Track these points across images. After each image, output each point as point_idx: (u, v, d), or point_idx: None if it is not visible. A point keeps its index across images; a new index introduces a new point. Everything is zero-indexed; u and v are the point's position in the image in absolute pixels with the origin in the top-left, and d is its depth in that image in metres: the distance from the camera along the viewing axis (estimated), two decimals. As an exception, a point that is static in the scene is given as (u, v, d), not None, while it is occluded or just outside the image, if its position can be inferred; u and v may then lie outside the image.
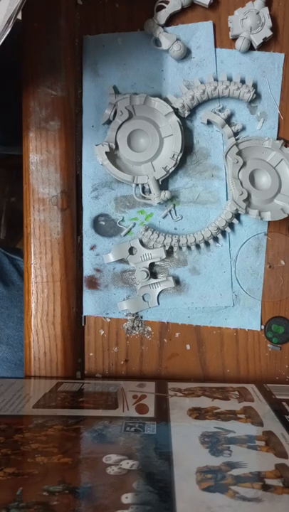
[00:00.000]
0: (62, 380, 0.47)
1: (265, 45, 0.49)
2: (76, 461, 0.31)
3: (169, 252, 0.50)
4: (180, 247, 0.50)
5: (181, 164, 0.49)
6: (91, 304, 0.51)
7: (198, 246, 0.50)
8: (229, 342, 0.51)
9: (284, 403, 0.42)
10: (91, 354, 0.51)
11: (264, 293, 0.51)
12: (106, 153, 0.47)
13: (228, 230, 0.50)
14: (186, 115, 0.49)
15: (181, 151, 0.48)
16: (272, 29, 0.48)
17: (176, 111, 0.48)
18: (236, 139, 0.49)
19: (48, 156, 0.48)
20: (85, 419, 0.37)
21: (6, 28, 0.34)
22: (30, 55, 0.48)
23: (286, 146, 0.49)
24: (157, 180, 0.48)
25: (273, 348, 0.51)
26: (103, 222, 0.50)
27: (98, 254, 0.50)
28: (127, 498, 0.27)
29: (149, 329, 0.51)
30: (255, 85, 0.49)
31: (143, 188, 0.49)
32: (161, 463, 0.31)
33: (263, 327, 0.51)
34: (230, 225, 0.50)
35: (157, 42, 0.49)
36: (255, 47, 0.48)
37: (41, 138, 0.48)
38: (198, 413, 0.39)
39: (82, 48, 0.49)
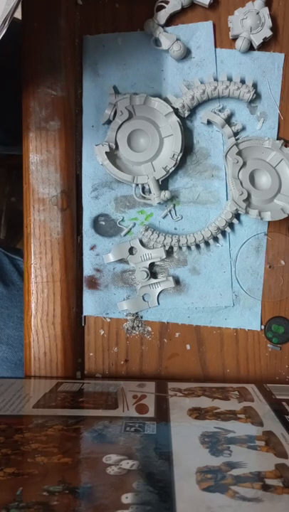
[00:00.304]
0: (62, 380, 0.47)
1: (265, 45, 0.49)
2: (76, 461, 0.31)
3: (169, 252, 0.50)
4: (180, 247, 0.50)
5: (181, 164, 0.49)
6: (91, 304, 0.51)
7: (198, 246, 0.50)
8: (229, 342, 0.51)
9: (284, 403, 0.42)
10: (91, 354, 0.51)
11: (264, 293, 0.51)
12: (106, 153, 0.47)
13: (228, 230, 0.50)
14: (186, 115, 0.49)
15: (181, 151, 0.48)
16: (272, 29, 0.48)
17: (176, 111, 0.48)
18: (236, 139, 0.49)
19: (48, 156, 0.48)
20: (85, 419, 0.37)
21: (1, 29, 0.34)
22: (30, 55, 0.48)
23: (286, 146, 0.49)
24: (157, 180, 0.48)
25: (273, 348, 0.51)
26: (103, 222, 0.50)
27: (98, 254, 0.50)
28: (127, 498, 0.27)
29: (149, 329, 0.51)
30: (255, 85, 0.49)
31: (143, 188, 0.49)
32: (161, 463, 0.31)
33: (263, 327, 0.51)
34: (230, 225, 0.50)
35: (157, 42, 0.49)
36: (255, 47, 0.48)
37: (41, 138, 0.48)
38: (198, 413, 0.39)
39: (82, 48, 0.49)
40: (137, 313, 0.51)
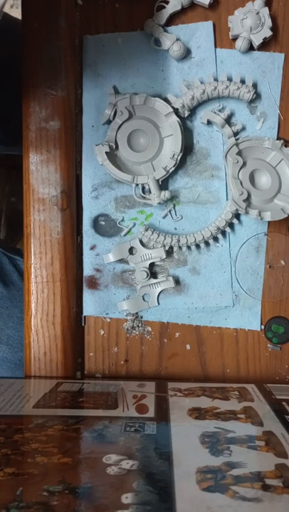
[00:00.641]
0: (62, 380, 0.47)
1: (265, 45, 0.49)
2: (76, 461, 0.31)
3: (169, 252, 0.50)
4: (180, 247, 0.50)
5: (181, 164, 0.49)
6: (91, 304, 0.51)
7: (198, 246, 0.50)
8: (229, 342, 0.51)
9: (284, 403, 0.42)
10: (91, 354, 0.51)
11: (264, 293, 0.51)
12: (106, 153, 0.47)
13: (228, 230, 0.50)
14: (186, 115, 0.49)
15: (181, 151, 0.48)
16: (272, 29, 0.48)
17: (176, 111, 0.48)
18: (236, 139, 0.49)
19: (48, 156, 0.48)
20: (85, 419, 0.37)
21: None
22: (30, 55, 0.48)
23: (286, 146, 0.49)
24: (157, 180, 0.48)
25: (273, 348, 0.51)
26: (103, 222, 0.50)
27: (98, 254, 0.50)
28: (127, 498, 0.27)
29: (149, 329, 0.51)
30: (255, 85, 0.49)
31: (143, 188, 0.49)
32: (161, 463, 0.31)
33: (263, 327, 0.51)
34: (230, 225, 0.50)
35: (157, 42, 0.49)
36: (255, 47, 0.48)
37: (41, 138, 0.48)
38: (198, 413, 0.39)
39: (82, 48, 0.49)
40: (137, 313, 0.51)
